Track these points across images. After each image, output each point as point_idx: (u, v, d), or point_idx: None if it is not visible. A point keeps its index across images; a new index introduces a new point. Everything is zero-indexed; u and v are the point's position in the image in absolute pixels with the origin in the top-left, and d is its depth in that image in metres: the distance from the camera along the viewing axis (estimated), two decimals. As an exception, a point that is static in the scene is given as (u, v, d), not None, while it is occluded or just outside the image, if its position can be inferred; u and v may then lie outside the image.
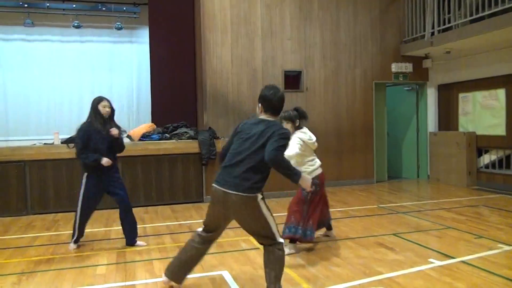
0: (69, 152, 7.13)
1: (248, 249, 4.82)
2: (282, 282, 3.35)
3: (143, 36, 9.98)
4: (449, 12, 8.60)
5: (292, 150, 4.43)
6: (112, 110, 4.90)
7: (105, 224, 6.18)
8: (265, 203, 3.32)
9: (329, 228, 5.31)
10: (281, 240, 3.38)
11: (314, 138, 4.77)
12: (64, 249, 4.98)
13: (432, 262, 4.23)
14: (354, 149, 9.43)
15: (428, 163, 10.00)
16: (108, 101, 4.86)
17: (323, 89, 9.26)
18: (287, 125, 4.65)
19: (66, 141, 7.22)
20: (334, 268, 4.13)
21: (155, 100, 9.28)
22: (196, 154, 7.73)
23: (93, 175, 4.80)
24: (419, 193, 8.63)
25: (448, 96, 9.67)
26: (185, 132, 7.92)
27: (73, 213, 6.94)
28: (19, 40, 9.63)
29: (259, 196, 3.27)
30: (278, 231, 3.36)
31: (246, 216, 3.30)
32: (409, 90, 10.41)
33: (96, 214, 6.69)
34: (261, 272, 4.02)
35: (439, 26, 8.75)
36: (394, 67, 9.66)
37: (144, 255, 4.68)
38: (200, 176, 7.77)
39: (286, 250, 4.48)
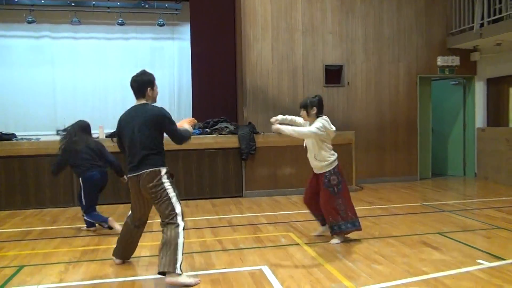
0: (114, 146, 7.30)
1: (287, 245, 4.78)
2: (324, 280, 3.26)
3: (185, 32, 10.10)
4: (500, 2, 8.20)
5: (312, 128, 4.50)
6: None
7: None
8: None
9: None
10: None
11: (334, 128, 4.70)
12: (108, 240, 5.12)
13: (480, 263, 4.04)
14: (397, 145, 9.20)
15: (475, 160, 9.60)
16: None
17: (365, 83, 9.07)
18: (302, 113, 4.69)
19: (111, 135, 7.42)
20: (377, 266, 4.02)
21: (196, 96, 9.39)
22: (236, 149, 7.76)
23: None
24: (466, 191, 8.30)
25: (498, 90, 9.23)
26: (226, 127, 7.96)
27: (115, 205, 7.19)
28: (67, 38, 9.96)
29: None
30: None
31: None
32: (455, 84, 10.02)
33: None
34: (302, 268, 4.00)
35: (489, 17, 8.37)
36: (440, 61, 9.32)
37: (185, 249, 4.71)
38: (239, 171, 7.80)
39: (335, 240, 4.76)
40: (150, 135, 3.70)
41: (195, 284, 3.60)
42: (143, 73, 3.89)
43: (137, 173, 3.70)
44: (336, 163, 4.69)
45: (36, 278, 3.87)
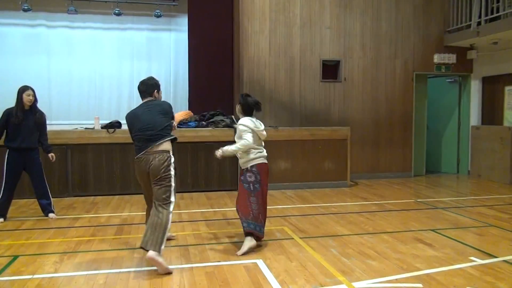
0: (109, 137, 7.32)
1: (282, 239, 4.81)
2: (318, 275, 3.28)
3: (182, 24, 10.03)
4: (497, 1, 8.23)
5: (243, 142, 4.39)
6: (35, 99, 5.59)
7: (143, 209, 6.29)
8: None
9: None
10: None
11: (262, 127, 4.57)
12: (104, 232, 5.12)
13: (473, 260, 4.09)
14: (392, 141, 9.24)
15: (469, 158, 9.67)
16: (33, 90, 5.57)
17: (362, 79, 9.09)
18: (238, 107, 4.67)
19: (106, 126, 7.40)
20: (370, 262, 4.06)
21: (192, 88, 9.36)
22: (232, 142, 7.73)
23: (14, 152, 5.50)
24: (459, 189, 8.37)
25: (493, 89, 9.28)
26: (222, 120, 7.95)
27: (111, 197, 7.19)
28: (63, 27, 9.84)
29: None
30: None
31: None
32: (451, 82, 10.06)
33: (135, 198, 6.88)
34: (296, 262, 4.02)
35: (486, 15, 8.40)
36: (437, 58, 9.35)
37: (180, 241, 4.75)
38: (235, 164, 7.78)
39: (247, 244, 4.31)
40: (167, 121, 4.19)
41: (168, 272, 3.77)
42: (151, 78, 4.43)
43: (149, 155, 4.03)
44: (257, 162, 4.42)
45: (31, 268, 3.87)
